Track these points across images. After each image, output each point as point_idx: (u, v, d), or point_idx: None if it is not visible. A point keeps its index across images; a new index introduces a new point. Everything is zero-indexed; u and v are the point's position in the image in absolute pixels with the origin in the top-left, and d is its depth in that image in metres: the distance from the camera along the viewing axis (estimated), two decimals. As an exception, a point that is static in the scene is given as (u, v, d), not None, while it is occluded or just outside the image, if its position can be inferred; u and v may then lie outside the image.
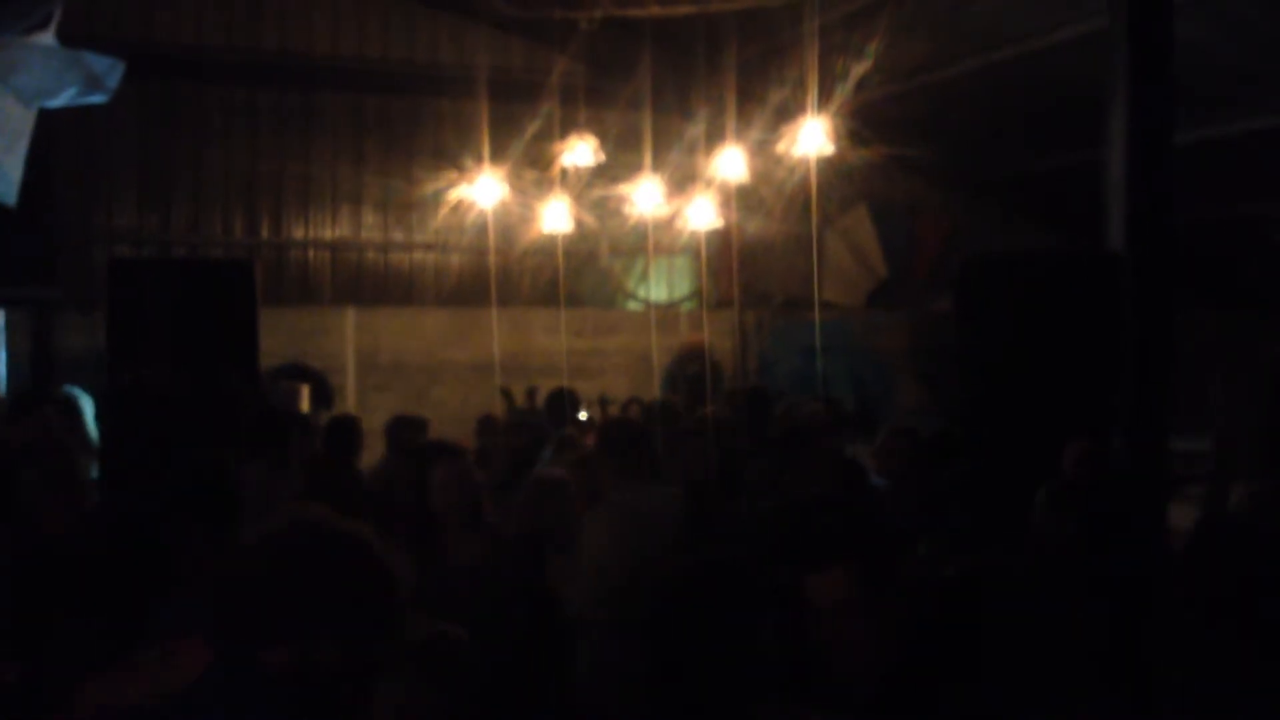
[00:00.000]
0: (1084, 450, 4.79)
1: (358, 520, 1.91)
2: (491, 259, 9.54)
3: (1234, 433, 6.90)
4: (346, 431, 5.75)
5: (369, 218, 11.40)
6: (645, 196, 8.86)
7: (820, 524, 2.61)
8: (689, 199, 9.02)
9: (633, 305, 11.81)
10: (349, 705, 1.82)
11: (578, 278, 11.17)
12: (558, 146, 8.77)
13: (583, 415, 8.21)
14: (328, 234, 11.29)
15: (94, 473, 5.27)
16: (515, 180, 8.81)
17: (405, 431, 6.21)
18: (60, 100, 5.87)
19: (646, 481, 4.18)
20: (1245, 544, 3.73)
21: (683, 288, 11.82)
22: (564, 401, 7.45)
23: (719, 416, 5.45)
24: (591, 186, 9.17)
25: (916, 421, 9.11)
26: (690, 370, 9.72)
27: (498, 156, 8.88)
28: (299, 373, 9.21)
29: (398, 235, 11.47)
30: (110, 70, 5.77)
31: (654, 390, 9.87)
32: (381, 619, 1.82)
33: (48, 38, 5.86)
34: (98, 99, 5.85)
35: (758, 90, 8.96)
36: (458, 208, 9.35)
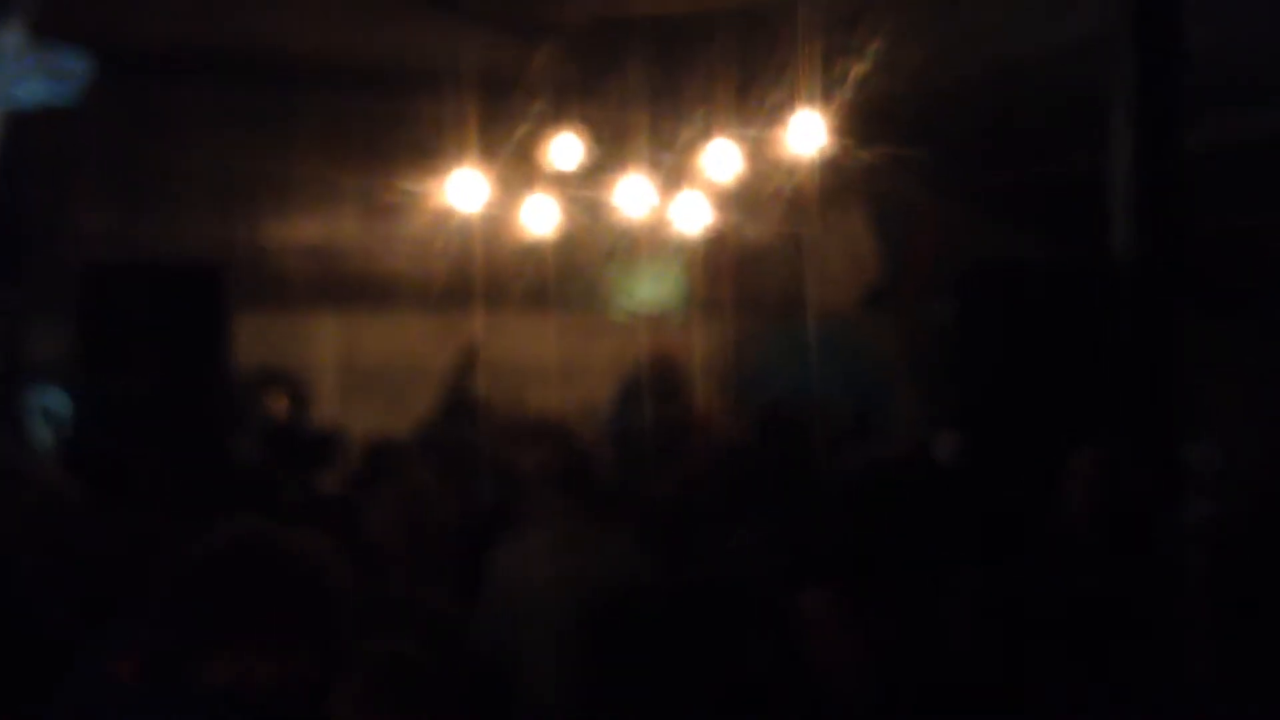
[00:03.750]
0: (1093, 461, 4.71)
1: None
2: (475, 262, 9.39)
3: (1237, 442, 6.90)
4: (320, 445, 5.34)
5: (348, 219, 11.21)
6: (635, 197, 8.75)
7: (808, 544, 2.61)
8: (680, 200, 8.92)
9: (621, 309, 11.67)
10: None
11: (564, 281, 11.02)
12: (544, 146, 8.65)
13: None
14: (306, 236, 11.09)
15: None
16: (500, 181, 8.70)
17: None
18: (28, 99, 5.73)
19: (592, 511, 3.75)
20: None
21: (673, 291, 11.70)
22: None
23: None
24: (579, 187, 9.06)
25: (915, 429, 9.06)
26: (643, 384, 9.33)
27: (482, 156, 8.75)
28: (276, 378, 9.07)
29: (378, 238, 11.28)
30: (79, 68, 5.64)
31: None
32: (320, 634, 1.83)
33: (15, 36, 5.71)
34: (67, 98, 5.71)
35: (750, 90, 8.86)
36: (440, 209, 9.22)
